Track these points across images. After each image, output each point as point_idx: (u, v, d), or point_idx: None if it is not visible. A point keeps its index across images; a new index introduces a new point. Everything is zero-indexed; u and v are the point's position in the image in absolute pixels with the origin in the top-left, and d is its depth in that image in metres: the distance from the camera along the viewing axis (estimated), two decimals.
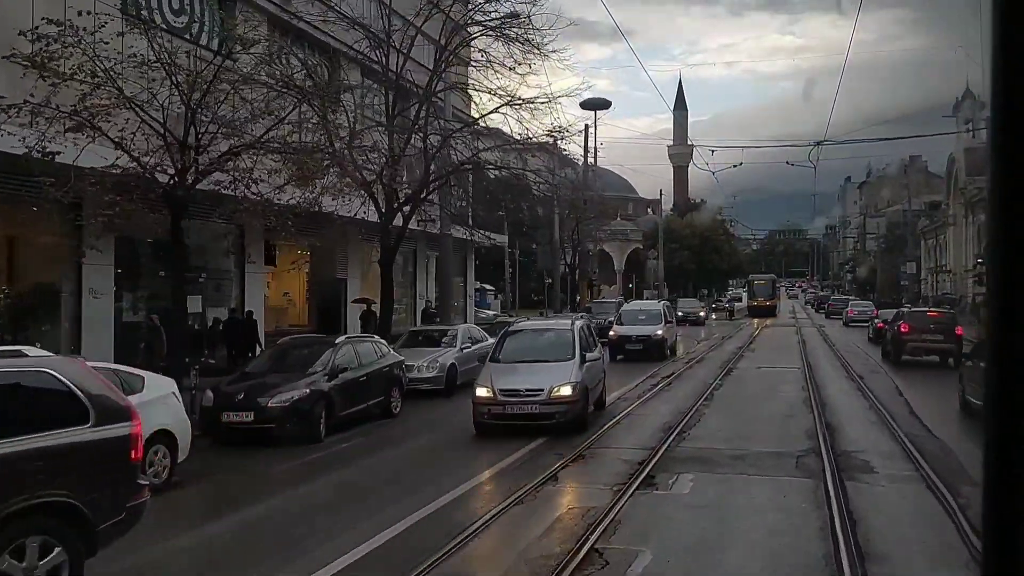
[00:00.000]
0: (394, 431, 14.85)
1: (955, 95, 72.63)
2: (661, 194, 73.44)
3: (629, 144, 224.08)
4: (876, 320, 36.04)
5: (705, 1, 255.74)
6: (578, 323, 16.38)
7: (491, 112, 22.75)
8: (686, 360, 27.03)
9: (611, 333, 27.82)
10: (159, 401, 10.52)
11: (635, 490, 9.69)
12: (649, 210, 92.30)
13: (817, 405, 16.37)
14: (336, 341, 14.99)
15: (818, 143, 26.25)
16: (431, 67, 22.18)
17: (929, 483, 9.89)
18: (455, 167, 22.07)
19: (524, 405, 13.48)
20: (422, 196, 21.80)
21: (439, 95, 22.65)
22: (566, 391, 13.55)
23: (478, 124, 23.55)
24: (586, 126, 44.66)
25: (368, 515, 8.93)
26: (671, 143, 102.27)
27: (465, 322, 39.19)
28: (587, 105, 54.91)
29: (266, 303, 27.72)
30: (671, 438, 12.95)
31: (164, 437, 10.42)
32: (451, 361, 19.35)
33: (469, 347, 20.47)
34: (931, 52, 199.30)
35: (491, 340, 22.59)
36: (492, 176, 23.55)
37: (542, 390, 13.47)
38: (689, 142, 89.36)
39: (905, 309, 32.25)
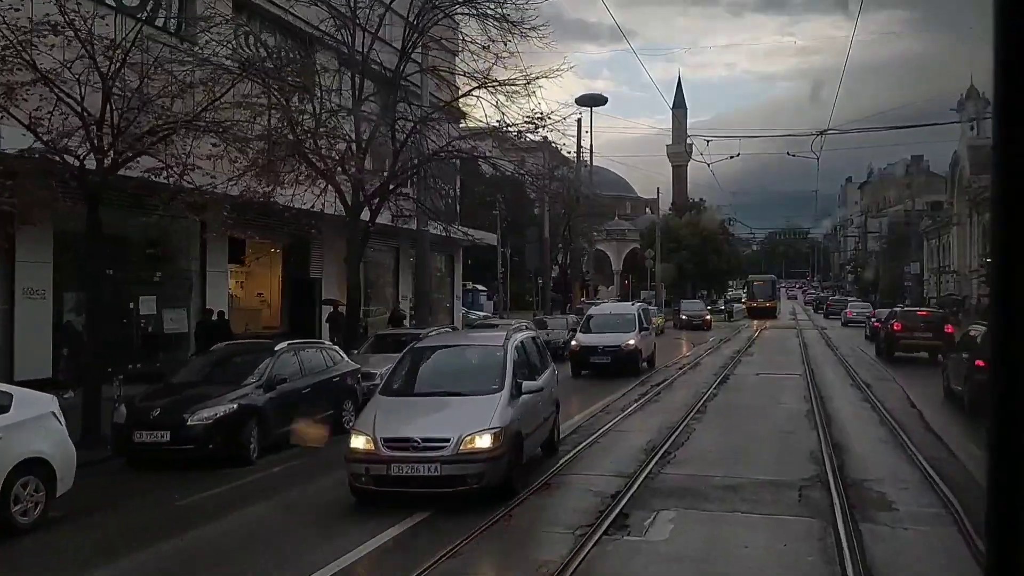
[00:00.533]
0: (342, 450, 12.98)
1: (958, 94, 70.80)
2: (659, 192, 71.51)
3: (628, 144, 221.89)
4: (873, 320, 37.06)
5: (704, 2, 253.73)
6: (517, 336, 11.56)
7: (463, 95, 20.92)
8: (680, 366, 25.16)
9: (573, 343, 23.71)
10: (32, 424, 8.69)
11: (602, 535, 7.83)
12: (647, 209, 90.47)
13: (821, 419, 14.52)
14: (276, 348, 13.12)
15: (821, 132, 24.48)
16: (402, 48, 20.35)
17: (960, 525, 8.02)
18: (426, 157, 20.20)
19: (420, 464, 8.97)
20: (391, 188, 19.94)
21: (409, 79, 20.80)
22: (484, 441, 9.09)
23: (450, 108, 21.68)
24: (579, 120, 42.78)
25: (281, 565, 7.16)
26: (670, 142, 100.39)
27: (453, 324, 37.49)
28: (583, 101, 53.11)
29: (236, 304, 25.98)
30: (654, 461, 11.09)
31: (37, 467, 8.59)
32: None
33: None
34: (933, 52, 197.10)
35: None
36: (474, 168, 21.57)
37: (447, 441, 9.06)
38: (688, 141, 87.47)
39: (898, 309, 33.09)
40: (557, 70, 19.94)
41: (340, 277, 30.87)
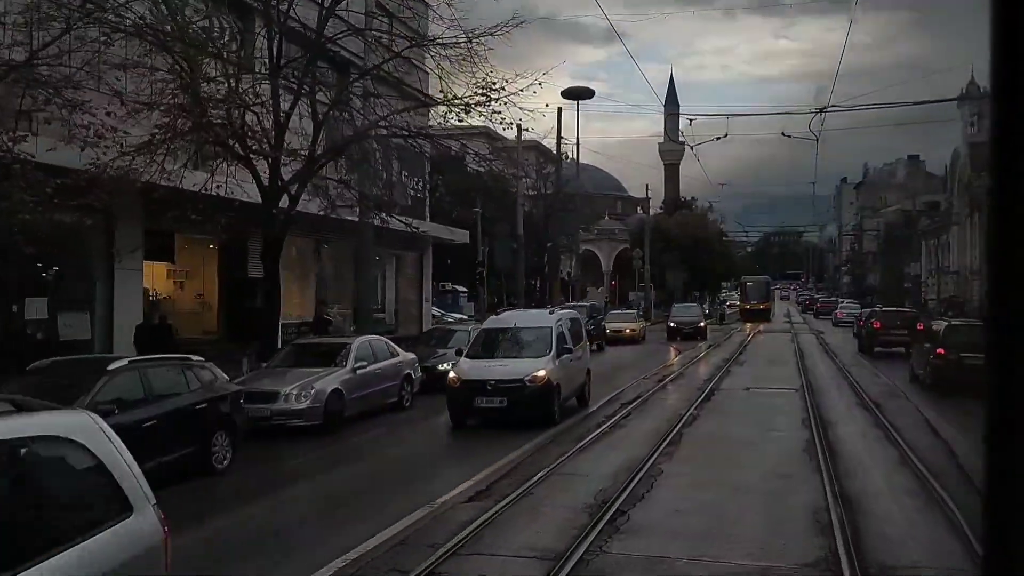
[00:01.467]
0: (199, 499, 9.70)
1: (955, 93, 67.65)
2: (648, 189, 68.26)
3: (623, 147, 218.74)
4: (859, 319, 38.96)
5: (698, 4, 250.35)
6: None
7: (392, 59, 17.66)
8: (659, 378, 21.86)
9: (451, 375, 15.12)
10: None
11: None
12: (639, 209, 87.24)
13: (825, 456, 11.24)
14: (111, 367, 9.82)
15: (820, 110, 21.10)
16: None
17: None
18: (355, 134, 16.90)
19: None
20: (314, 170, 16.66)
21: (338, 42, 17.48)
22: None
23: (388, 79, 18.42)
24: (559, 109, 39.58)
25: None
26: (662, 140, 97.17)
27: (422, 329, 34.24)
28: (569, 94, 50.15)
29: (171, 307, 22.83)
30: (597, 530, 7.83)
31: None
32: (333, 387, 14.17)
33: (366, 367, 15.34)
34: (930, 54, 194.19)
35: (403, 356, 17.54)
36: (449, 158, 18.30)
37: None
38: (681, 139, 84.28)
39: (877, 309, 37.29)
40: (505, 26, 16.53)
41: (296, 278, 27.72)
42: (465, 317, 45.51)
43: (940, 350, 18.82)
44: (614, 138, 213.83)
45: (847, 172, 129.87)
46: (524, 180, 50.64)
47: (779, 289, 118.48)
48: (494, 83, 17.05)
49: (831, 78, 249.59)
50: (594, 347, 32.05)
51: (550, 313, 18.37)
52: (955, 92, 67.10)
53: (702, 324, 40.01)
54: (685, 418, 14.66)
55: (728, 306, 68.30)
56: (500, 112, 18.97)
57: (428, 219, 36.49)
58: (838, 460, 11.07)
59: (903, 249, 75.19)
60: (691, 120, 77.87)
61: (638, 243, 62.89)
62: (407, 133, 17.56)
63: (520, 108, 17.30)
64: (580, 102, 49.30)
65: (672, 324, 39.55)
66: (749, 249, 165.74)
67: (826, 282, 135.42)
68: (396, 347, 17.49)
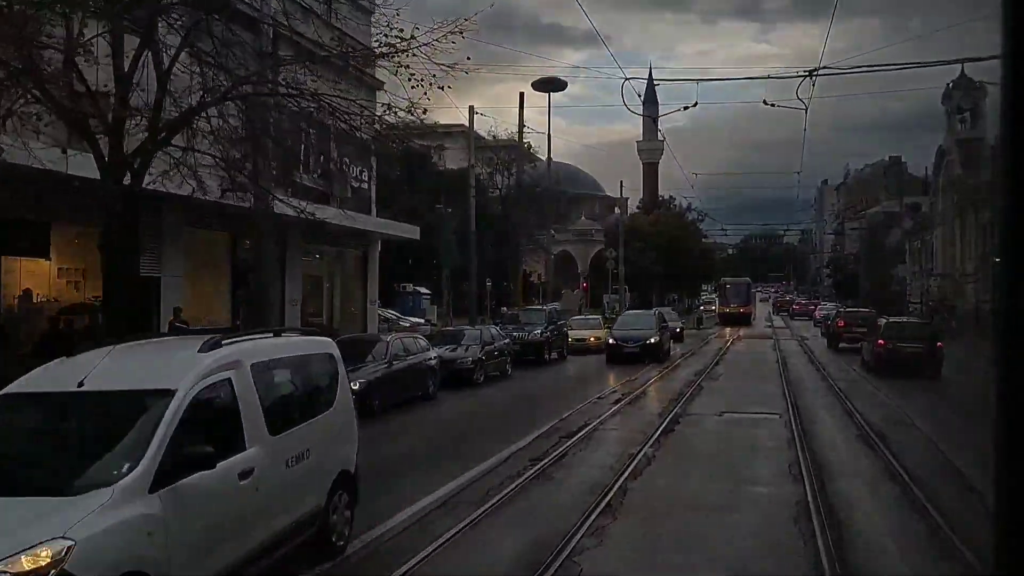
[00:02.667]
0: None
1: (934, 97, 64.41)
2: (622, 185, 64.56)
3: (603, 149, 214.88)
4: (828, 320, 41.82)
5: (677, 8, 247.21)
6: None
7: None
8: (618, 398, 18.05)
9: None
10: None
11: None
12: (616, 209, 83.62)
13: (825, 531, 7.53)
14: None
15: (811, 72, 17.32)
16: None
17: None
18: (224, 92, 12.99)
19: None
20: (160, 137, 12.73)
21: None
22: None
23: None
24: (520, 95, 35.85)
25: None
26: (640, 139, 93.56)
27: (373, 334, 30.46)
28: (540, 85, 46.52)
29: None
30: None
31: None
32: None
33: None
34: (906, 58, 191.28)
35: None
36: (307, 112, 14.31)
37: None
38: (660, 138, 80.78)
39: (841, 309, 43.88)
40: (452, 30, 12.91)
41: (205, 277, 23.85)
42: (421, 321, 41.67)
43: (880, 341, 23.62)
44: (594, 141, 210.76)
45: (828, 175, 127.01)
46: (492, 176, 47.08)
47: (760, 291, 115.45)
48: (401, 31, 13.28)
49: (805, 82, 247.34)
50: (554, 355, 28.36)
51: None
52: (932, 96, 63.98)
53: (654, 340, 26.72)
54: (636, 462, 10.85)
55: (705, 310, 64.53)
56: (409, 67, 15.20)
57: (375, 213, 32.67)
58: (847, 546, 7.32)
59: (887, 251, 72.04)
60: (657, 83, 71.86)
61: (614, 244, 59.22)
62: (289, 92, 13.62)
63: (437, 64, 13.45)
64: (565, 105, 45.78)
65: (612, 341, 27.41)
66: (730, 251, 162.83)
67: (807, 284, 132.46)
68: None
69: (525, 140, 34.70)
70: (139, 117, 12.79)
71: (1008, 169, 1.33)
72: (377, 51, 14.31)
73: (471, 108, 29.49)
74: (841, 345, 31.74)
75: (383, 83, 32.95)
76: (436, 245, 30.73)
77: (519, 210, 36.14)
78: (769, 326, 58.11)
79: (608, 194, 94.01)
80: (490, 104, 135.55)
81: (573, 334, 29.43)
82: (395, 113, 14.51)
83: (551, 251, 54.36)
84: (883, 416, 15.34)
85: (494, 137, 49.00)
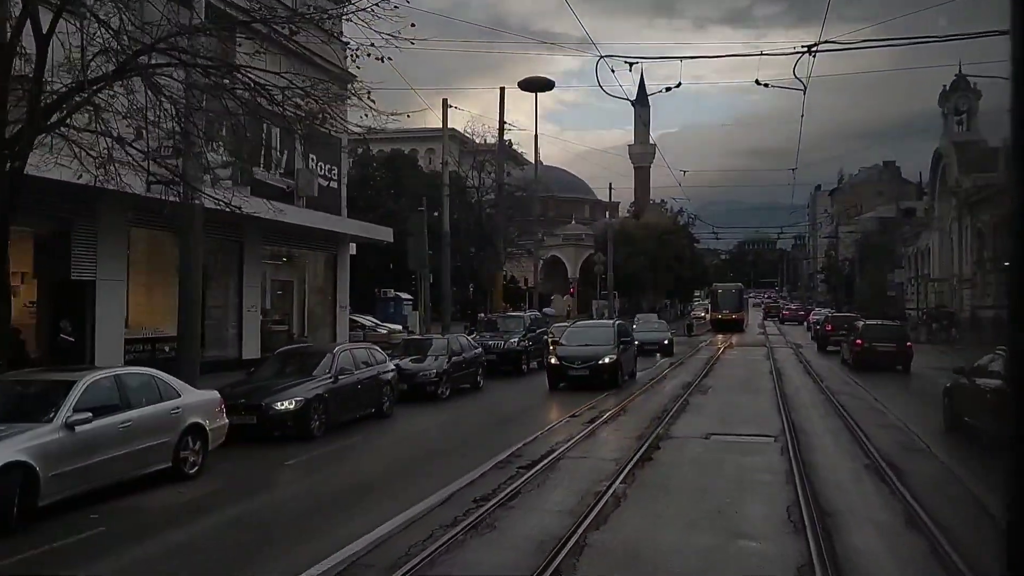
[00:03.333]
0: None
1: (931, 99, 62.69)
2: (611, 187, 62.58)
3: (595, 155, 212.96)
4: (815, 324, 46.37)
5: (669, 15, 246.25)
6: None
7: None
8: (593, 416, 16.01)
9: None
10: None
11: None
12: (607, 214, 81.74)
13: None
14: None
15: (810, 47, 15.26)
16: None
17: None
18: (124, 61, 10.97)
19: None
20: (40, 110, 10.71)
21: None
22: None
23: None
24: (501, 89, 33.88)
25: None
26: (632, 142, 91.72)
27: (336, 344, 28.52)
28: (527, 85, 44.59)
29: None
30: None
31: None
32: None
33: (77, 419, 9.30)
34: (898, 64, 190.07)
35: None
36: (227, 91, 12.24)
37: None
38: (652, 141, 78.96)
39: (828, 315, 46.91)
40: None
41: (142, 280, 21.85)
42: (399, 328, 39.63)
43: (858, 341, 26.92)
44: (588, 146, 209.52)
45: (821, 180, 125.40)
46: (479, 178, 45.11)
47: (753, 297, 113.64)
48: None
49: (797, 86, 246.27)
50: (535, 365, 26.39)
51: None
52: (924, 101, 62.29)
53: (609, 360, 20.77)
54: (602, 503, 8.85)
55: (695, 316, 62.48)
56: (342, 35, 13.27)
57: (345, 213, 30.66)
58: None
59: (882, 256, 70.27)
60: (632, 63, 69.68)
61: (604, 248, 57.26)
62: (197, 63, 11.61)
63: (375, 31, 11.48)
64: (526, 89, 43.83)
65: (553, 361, 21.45)
66: (724, 257, 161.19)
67: (801, 290, 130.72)
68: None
69: (506, 139, 32.66)
70: (19, 91, 10.82)
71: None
72: (305, 15, 12.34)
73: (444, 102, 27.55)
74: (828, 348, 34.41)
75: (355, 76, 31.23)
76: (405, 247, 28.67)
77: (499, 211, 34.10)
78: (762, 333, 56.22)
79: (600, 198, 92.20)
80: (480, 111, 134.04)
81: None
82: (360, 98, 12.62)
83: (538, 255, 52.39)
84: (896, 441, 13.38)
85: (484, 140, 47.35)
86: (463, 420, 16.31)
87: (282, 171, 25.93)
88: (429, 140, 67.91)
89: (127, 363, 17.50)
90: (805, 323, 59.50)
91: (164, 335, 20.94)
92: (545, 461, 11.36)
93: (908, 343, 26.65)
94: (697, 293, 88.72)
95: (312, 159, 27.51)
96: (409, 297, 46.01)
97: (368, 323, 41.38)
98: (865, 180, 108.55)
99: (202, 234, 15.38)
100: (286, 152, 26.09)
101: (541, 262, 74.58)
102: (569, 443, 12.77)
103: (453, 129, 44.69)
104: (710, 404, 17.92)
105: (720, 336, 49.92)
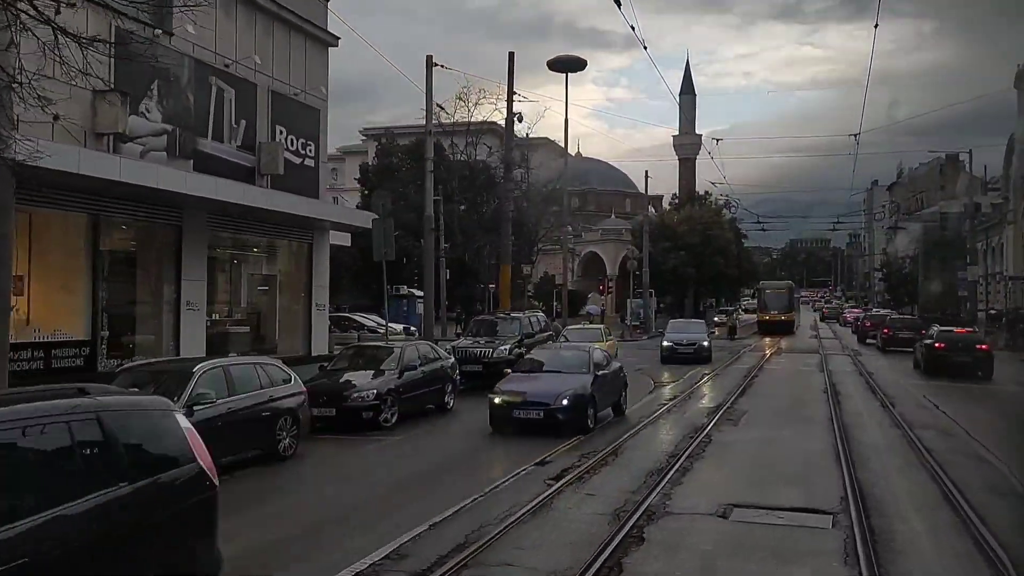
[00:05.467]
0: None
1: (984, 105, 56.03)
2: (647, 175, 57.18)
3: (645, 152, 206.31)
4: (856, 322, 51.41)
5: (718, 11, 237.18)
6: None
7: None
8: (560, 471, 11.04)
9: None
10: None
11: None
12: (650, 206, 76.24)
13: None
14: None
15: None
16: None
17: None
18: None
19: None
20: None
21: None
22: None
23: None
24: (510, 55, 29.00)
25: None
26: (676, 133, 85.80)
27: (310, 350, 24.26)
28: (556, 65, 39.74)
29: None
30: None
31: None
32: None
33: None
34: (954, 61, 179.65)
35: None
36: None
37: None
38: (698, 132, 73.19)
39: (867, 312, 55.30)
40: None
41: (38, 272, 17.61)
42: (398, 328, 35.06)
43: (887, 330, 36.00)
44: (637, 143, 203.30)
45: (878, 175, 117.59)
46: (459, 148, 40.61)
47: (804, 298, 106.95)
48: None
49: (855, 83, 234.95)
50: None
51: None
52: (981, 99, 55.78)
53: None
54: None
55: (737, 317, 56.48)
56: None
57: (324, 198, 26.12)
58: None
59: (948, 253, 63.61)
60: (718, 141, 65.42)
61: (640, 243, 51.93)
62: None
63: None
64: (555, 70, 38.92)
65: (496, 400, 13.72)
66: (774, 255, 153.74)
67: (856, 290, 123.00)
68: None
69: (516, 112, 27.82)
70: None
71: None
72: None
73: (429, 59, 22.81)
74: (868, 340, 40.08)
75: (338, 38, 26.36)
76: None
77: (505, 192, 29.22)
78: (814, 336, 50.32)
79: (642, 192, 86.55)
80: (525, 109, 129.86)
81: None
82: None
83: (567, 249, 47.36)
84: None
85: (527, 134, 42.71)
86: (392, 464, 11.53)
87: (239, 144, 21.50)
88: (473, 134, 63.71)
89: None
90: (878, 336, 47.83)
91: (72, 339, 16.85)
92: (462, 558, 6.56)
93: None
94: (745, 292, 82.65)
95: (281, 131, 23.05)
96: (421, 293, 41.56)
97: (369, 323, 36.99)
98: (926, 174, 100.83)
99: (11, 204, 10.79)
100: (243, 122, 21.65)
101: (577, 258, 69.50)
102: (513, 519, 7.91)
103: (494, 123, 40.16)
104: (740, 443, 12.79)
105: (767, 340, 44.29)
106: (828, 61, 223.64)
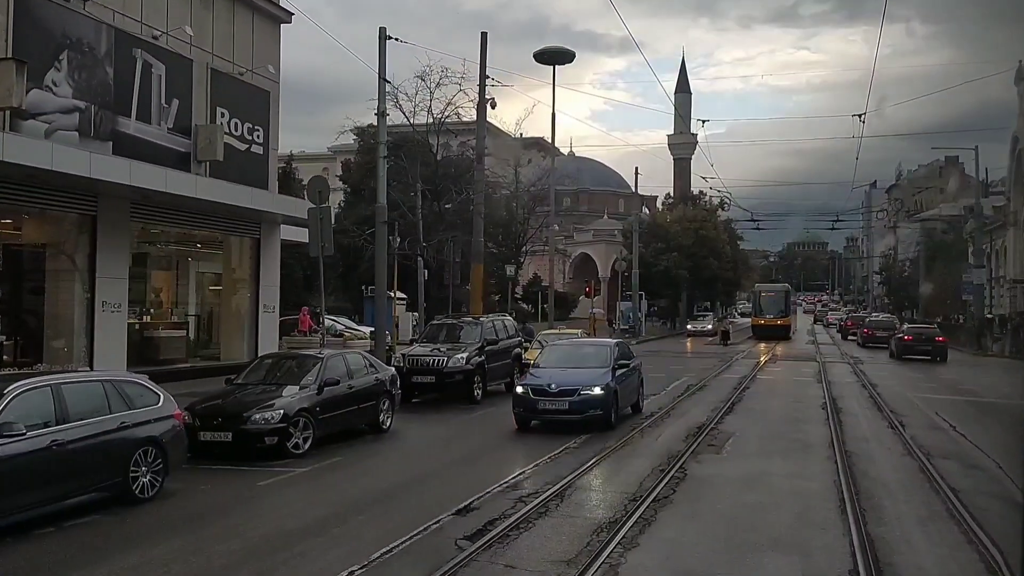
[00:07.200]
0: None
1: (979, 109, 53.58)
2: (637, 172, 54.75)
3: (641, 154, 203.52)
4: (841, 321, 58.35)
5: (713, 14, 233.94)
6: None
7: None
8: (487, 520, 8.60)
9: None
10: None
11: None
12: (645, 208, 73.73)
13: None
14: None
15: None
16: None
17: None
18: None
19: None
20: None
21: None
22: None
23: None
24: (483, 34, 26.64)
25: None
26: (671, 132, 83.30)
27: (257, 354, 21.83)
28: (543, 57, 37.65)
29: None
30: None
31: None
32: None
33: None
34: (952, 66, 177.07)
35: None
36: None
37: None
38: (694, 131, 70.80)
39: (850, 314, 65.16)
40: None
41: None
42: (364, 332, 32.57)
43: (867, 330, 42.02)
44: (635, 145, 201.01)
45: (877, 176, 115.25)
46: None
47: (802, 303, 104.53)
48: None
49: (854, 88, 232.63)
50: (501, 387, 19.17)
51: None
52: (980, 103, 53.24)
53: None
54: None
55: (730, 321, 53.81)
56: None
57: (274, 189, 23.66)
58: None
59: (949, 256, 61.34)
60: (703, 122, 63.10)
61: (630, 244, 49.44)
62: None
63: None
64: (542, 62, 36.69)
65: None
66: (771, 259, 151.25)
67: (853, 293, 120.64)
68: None
69: (489, 97, 25.41)
70: None
71: None
72: None
73: (382, 31, 20.37)
74: (850, 337, 44.74)
75: (291, 14, 23.82)
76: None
77: (478, 186, 26.78)
78: (811, 342, 47.86)
79: (635, 190, 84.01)
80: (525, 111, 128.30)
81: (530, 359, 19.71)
82: None
83: (554, 250, 44.95)
84: None
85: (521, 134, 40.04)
86: (280, 512, 9.00)
87: (171, 126, 19.04)
88: (463, 134, 61.48)
89: None
90: (859, 334, 45.91)
91: None
92: None
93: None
94: (741, 295, 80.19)
95: (223, 113, 20.60)
96: (403, 296, 39.11)
97: (340, 326, 34.57)
98: (926, 177, 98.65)
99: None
100: (176, 101, 19.18)
101: (568, 260, 67.07)
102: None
103: (491, 124, 37.91)
104: (720, 480, 10.27)
105: (762, 346, 41.83)
106: (825, 65, 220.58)
